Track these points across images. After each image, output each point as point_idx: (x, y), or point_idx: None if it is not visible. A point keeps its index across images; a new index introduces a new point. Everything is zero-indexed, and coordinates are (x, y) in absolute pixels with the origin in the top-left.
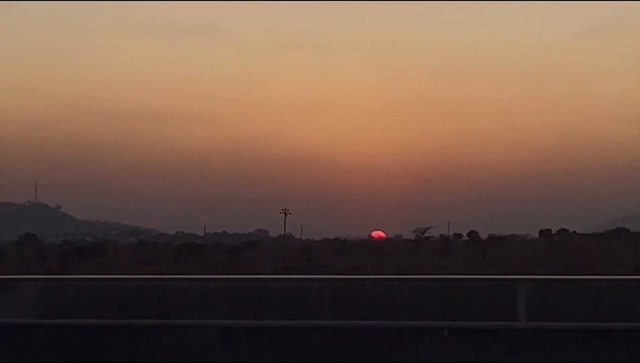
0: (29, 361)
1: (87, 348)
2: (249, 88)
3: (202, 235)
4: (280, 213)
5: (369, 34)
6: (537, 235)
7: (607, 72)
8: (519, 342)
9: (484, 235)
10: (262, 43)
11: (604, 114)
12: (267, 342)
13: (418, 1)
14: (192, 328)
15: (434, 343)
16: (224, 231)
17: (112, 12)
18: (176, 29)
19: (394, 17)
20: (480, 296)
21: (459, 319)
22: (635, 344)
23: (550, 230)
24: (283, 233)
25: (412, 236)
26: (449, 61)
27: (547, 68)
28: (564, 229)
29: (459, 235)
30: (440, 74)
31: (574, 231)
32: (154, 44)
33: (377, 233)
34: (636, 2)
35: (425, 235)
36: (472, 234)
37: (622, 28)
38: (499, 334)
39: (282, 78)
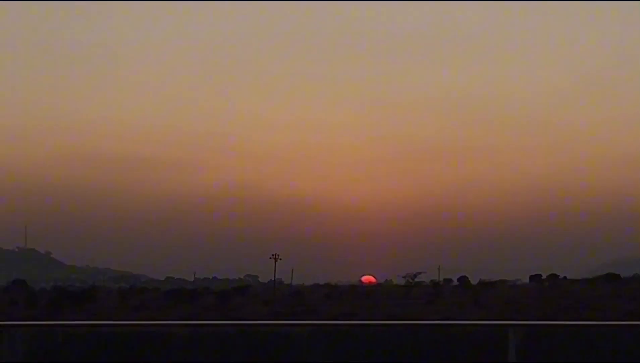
0: None
1: None
2: (238, 133)
3: (192, 280)
4: (270, 258)
5: (359, 78)
6: (527, 280)
7: (599, 121)
8: None
9: (474, 280)
10: (255, 84)
11: (594, 157)
12: None
13: (410, 44)
14: None
15: None
16: (214, 277)
17: (101, 58)
18: (159, 75)
19: (385, 62)
20: (471, 341)
21: None
22: None
23: (540, 275)
24: (273, 279)
25: (403, 282)
26: (441, 107)
27: (539, 116)
28: (554, 274)
29: (449, 280)
30: (430, 120)
31: (565, 277)
32: (141, 90)
33: (367, 278)
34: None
35: (416, 280)
36: (463, 279)
37: (616, 77)
38: None
39: (271, 122)
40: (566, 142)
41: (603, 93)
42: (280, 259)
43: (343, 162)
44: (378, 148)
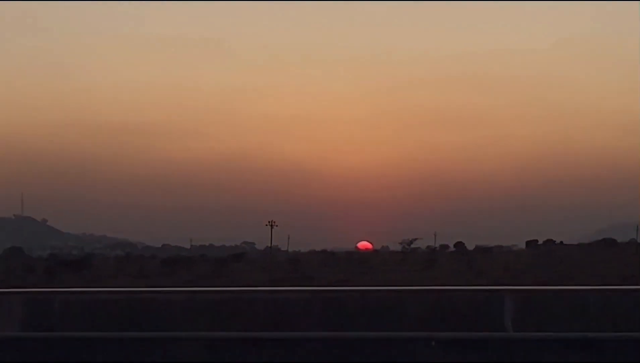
0: None
1: (74, 361)
2: (233, 101)
3: (189, 247)
4: (267, 225)
5: (357, 44)
6: (523, 245)
7: (594, 82)
8: (507, 352)
9: (470, 246)
10: (249, 56)
11: (590, 124)
12: (255, 354)
13: (403, 12)
14: (180, 341)
15: (422, 354)
16: (210, 244)
17: (103, 25)
18: (164, 42)
19: (382, 27)
20: (467, 306)
21: (446, 329)
22: (623, 354)
23: (536, 241)
24: (270, 245)
25: (399, 248)
26: (434, 71)
27: (532, 77)
28: (551, 239)
29: (445, 246)
30: (425, 84)
31: (561, 242)
32: (142, 56)
33: (363, 244)
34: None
35: (412, 246)
36: (459, 245)
37: (607, 37)
38: (487, 344)
39: (266, 90)
40: (562, 108)
41: (598, 57)
42: (277, 226)
43: (339, 129)
44: (375, 115)
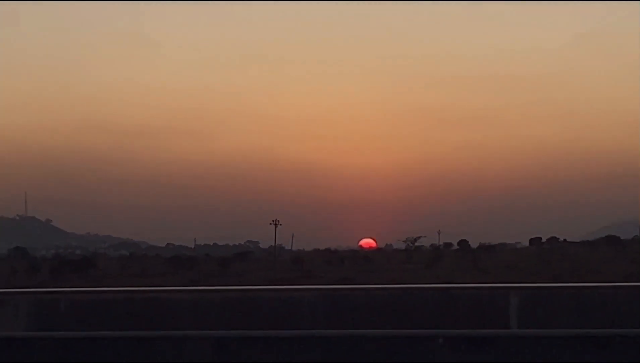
0: None
1: (80, 360)
2: (238, 101)
3: (193, 247)
4: (271, 224)
5: (364, 43)
6: (527, 243)
7: (597, 79)
8: (512, 349)
9: (474, 244)
10: (258, 54)
11: (593, 123)
12: (260, 352)
13: (411, 12)
14: (185, 340)
15: (428, 352)
16: (214, 243)
17: (105, 24)
18: (160, 44)
19: (388, 28)
20: (473, 304)
21: (451, 327)
22: (628, 351)
23: (540, 238)
24: (274, 244)
25: (403, 246)
26: (436, 71)
27: (537, 76)
28: (554, 237)
29: (449, 244)
30: (428, 84)
31: (565, 240)
32: (148, 56)
33: (366, 242)
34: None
35: (416, 244)
36: (463, 243)
37: (618, 32)
38: (493, 342)
39: (271, 90)
40: (565, 107)
41: (602, 54)
42: (281, 225)
43: (343, 129)
44: (379, 115)
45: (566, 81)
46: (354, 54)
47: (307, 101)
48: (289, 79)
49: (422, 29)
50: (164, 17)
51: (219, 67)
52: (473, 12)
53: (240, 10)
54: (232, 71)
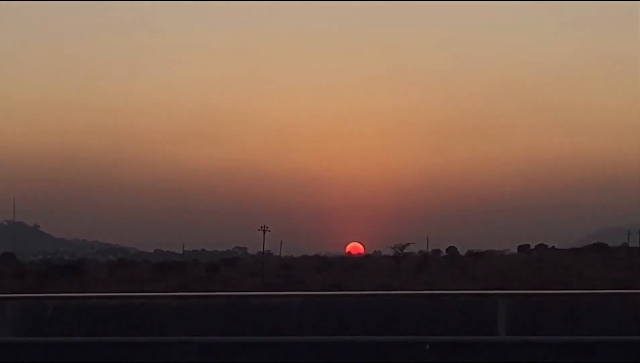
0: None
1: None
2: (227, 109)
3: (181, 252)
4: (259, 230)
5: (365, 50)
6: (515, 250)
7: (584, 86)
8: (500, 355)
9: (462, 251)
10: (245, 62)
11: (579, 131)
12: (247, 358)
13: (411, 20)
14: (172, 345)
15: (416, 358)
16: (202, 249)
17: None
18: (152, 48)
19: (384, 31)
20: (461, 311)
21: (439, 334)
22: (617, 358)
23: (528, 245)
24: (262, 250)
25: (391, 253)
26: (428, 78)
27: (528, 84)
28: (543, 244)
29: (437, 251)
30: (418, 91)
31: (553, 247)
32: (134, 61)
33: (354, 247)
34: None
35: (404, 251)
36: (451, 250)
37: (616, 45)
38: (480, 348)
39: (259, 99)
40: (553, 114)
41: (586, 66)
42: (269, 231)
43: (333, 136)
44: (366, 122)
45: (551, 90)
46: (344, 64)
47: (295, 108)
48: (275, 87)
49: (416, 38)
50: (164, 18)
51: (213, 77)
52: (465, 16)
53: (235, 14)
54: (224, 81)
